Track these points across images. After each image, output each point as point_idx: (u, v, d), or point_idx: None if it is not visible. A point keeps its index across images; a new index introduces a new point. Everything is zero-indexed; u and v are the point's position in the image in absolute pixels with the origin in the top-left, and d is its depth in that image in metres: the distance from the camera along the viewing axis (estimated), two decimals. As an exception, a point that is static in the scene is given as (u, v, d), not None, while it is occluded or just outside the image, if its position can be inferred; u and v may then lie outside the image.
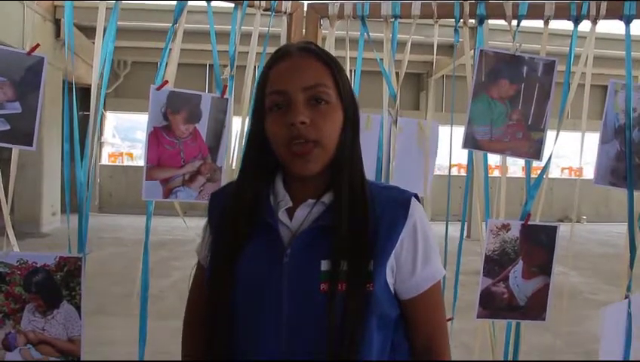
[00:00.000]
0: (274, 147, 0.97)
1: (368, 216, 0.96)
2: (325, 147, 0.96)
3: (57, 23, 8.75)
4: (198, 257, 1.13)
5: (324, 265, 0.94)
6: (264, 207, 1.00)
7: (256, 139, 1.01)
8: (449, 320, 1.64)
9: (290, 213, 0.99)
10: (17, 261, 1.51)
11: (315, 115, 0.95)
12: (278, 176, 1.03)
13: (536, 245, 1.76)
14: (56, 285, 1.53)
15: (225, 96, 1.72)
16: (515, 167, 12.50)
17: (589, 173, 1.99)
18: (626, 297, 1.75)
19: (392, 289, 0.99)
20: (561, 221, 11.94)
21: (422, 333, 1.03)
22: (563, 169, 14.03)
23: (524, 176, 1.85)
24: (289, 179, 1.02)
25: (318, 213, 0.98)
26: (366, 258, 0.94)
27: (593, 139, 1.81)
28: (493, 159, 1.87)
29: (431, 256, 1.01)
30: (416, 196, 1.02)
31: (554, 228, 1.78)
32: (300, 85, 0.95)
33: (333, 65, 0.99)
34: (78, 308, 1.54)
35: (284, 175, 1.03)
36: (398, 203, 1.00)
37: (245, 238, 0.98)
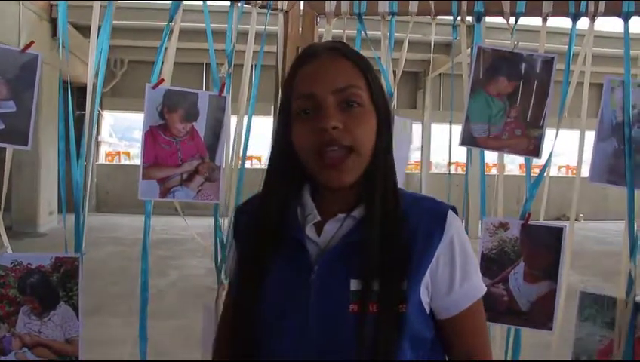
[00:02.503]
0: (302, 156, 0.91)
1: (402, 232, 0.90)
2: (361, 154, 0.89)
3: (54, 22, 8.72)
4: (229, 274, 1.08)
5: (354, 285, 0.88)
6: (291, 221, 0.94)
7: (282, 146, 0.95)
8: None
9: (319, 227, 0.94)
10: (11, 263, 1.49)
11: (348, 119, 0.88)
12: (306, 187, 0.97)
13: (540, 247, 1.70)
14: (52, 286, 1.51)
15: (223, 94, 1.70)
16: (512, 165, 12.52)
17: (586, 171, 1.97)
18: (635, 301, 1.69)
19: (427, 308, 0.93)
20: (558, 219, 11.95)
21: (462, 354, 0.96)
22: (560, 167, 14.06)
23: (521, 175, 1.83)
24: (317, 190, 0.96)
25: (349, 228, 0.92)
26: (399, 277, 0.88)
27: (590, 137, 1.81)
28: (491, 157, 1.85)
29: (470, 271, 0.94)
30: (453, 208, 0.97)
31: (560, 229, 1.70)
32: (330, 88, 0.89)
33: (363, 66, 0.93)
34: (75, 308, 1.52)
35: (312, 185, 0.97)
36: (434, 216, 0.94)
37: (271, 254, 0.93)
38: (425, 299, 0.91)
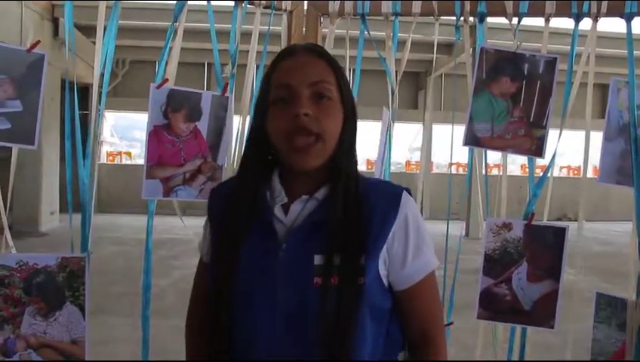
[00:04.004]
0: (275, 141, 1.01)
1: (361, 211, 1.00)
2: (326, 142, 0.99)
3: (55, 22, 8.74)
4: (200, 254, 1.16)
5: (318, 260, 0.97)
6: (261, 203, 1.03)
7: (257, 134, 1.05)
8: (449, 324, 1.63)
9: (286, 208, 1.03)
10: (17, 263, 1.48)
11: (318, 109, 0.99)
12: (275, 172, 1.06)
13: (543, 247, 1.71)
14: (58, 286, 1.50)
15: (225, 94, 1.71)
16: (514, 165, 12.51)
17: (589, 172, 1.97)
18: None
19: (384, 281, 1.02)
20: (559, 219, 11.95)
21: (416, 325, 1.06)
22: (561, 168, 14.04)
23: (522, 175, 1.83)
24: (286, 174, 1.05)
25: (312, 208, 1.02)
26: (358, 252, 0.98)
27: (594, 137, 1.81)
28: (491, 158, 1.86)
29: (422, 247, 1.04)
30: (407, 190, 1.06)
31: (562, 229, 1.71)
32: (305, 81, 0.99)
33: (335, 66, 1.05)
34: (81, 309, 1.52)
35: (280, 171, 1.06)
36: (390, 197, 1.04)
37: (243, 234, 1.01)
38: (383, 271, 1.01)
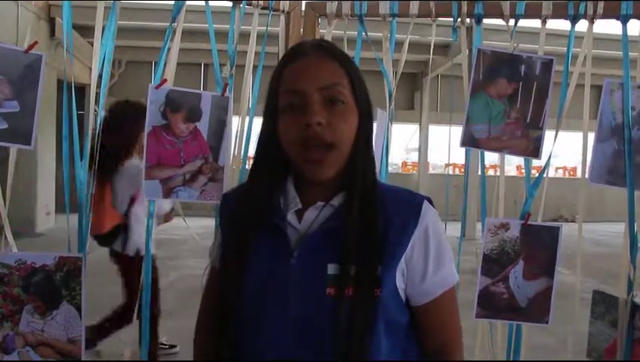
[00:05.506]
0: (287, 148, 0.96)
1: (378, 219, 0.94)
2: (340, 150, 0.94)
3: (52, 22, 8.70)
4: (210, 259, 1.12)
5: (332, 269, 0.92)
6: (274, 209, 0.98)
7: (267, 139, 1.00)
8: None
9: (300, 215, 0.98)
10: (16, 261, 1.49)
11: (331, 115, 0.93)
12: (289, 177, 1.01)
13: (538, 245, 1.74)
14: (56, 285, 1.51)
15: (225, 95, 1.70)
16: (509, 166, 12.55)
17: (585, 173, 1.99)
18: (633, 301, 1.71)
19: (402, 294, 0.97)
20: (555, 220, 11.98)
21: (434, 342, 1.01)
22: (557, 168, 14.09)
23: (518, 176, 1.84)
24: (300, 180, 1.00)
25: (327, 215, 0.97)
26: (374, 263, 0.92)
27: (590, 138, 1.82)
28: (488, 159, 1.87)
29: (444, 261, 0.99)
30: (428, 199, 1.01)
31: (557, 229, 1.74)
32: (316, 85, 0.93)
33: (348, 65, 0.98)
34: (78, 308, 1.52)
35: (294, 176, 1.01)
36: (410, 206, 0.99)
37: (254, 240, 0.97)
38: (400, 284, 0.96)
